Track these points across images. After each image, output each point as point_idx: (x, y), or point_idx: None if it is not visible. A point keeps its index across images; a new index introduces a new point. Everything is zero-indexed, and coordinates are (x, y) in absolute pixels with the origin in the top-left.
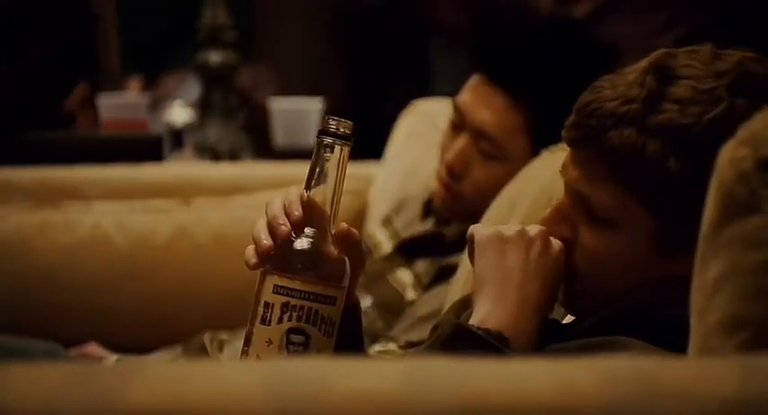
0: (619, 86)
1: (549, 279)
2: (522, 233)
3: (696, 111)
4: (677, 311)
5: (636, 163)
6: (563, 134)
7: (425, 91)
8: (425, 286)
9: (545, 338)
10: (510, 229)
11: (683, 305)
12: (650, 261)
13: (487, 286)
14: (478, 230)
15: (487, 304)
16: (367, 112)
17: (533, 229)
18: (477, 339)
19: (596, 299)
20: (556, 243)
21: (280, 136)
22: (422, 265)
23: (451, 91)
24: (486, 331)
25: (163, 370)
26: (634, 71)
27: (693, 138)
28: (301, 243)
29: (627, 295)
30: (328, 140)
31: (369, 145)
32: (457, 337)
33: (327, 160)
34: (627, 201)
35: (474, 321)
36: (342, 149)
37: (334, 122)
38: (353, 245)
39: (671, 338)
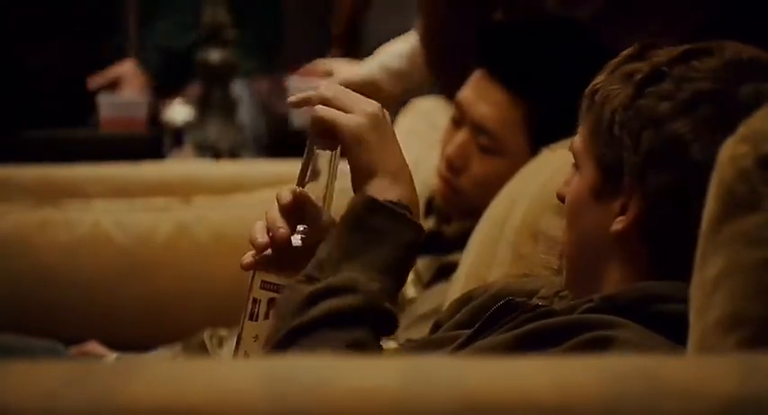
0: None
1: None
2: (375, 111)
3: (648, 61)
4: (668, 307)
5: (590, 105)
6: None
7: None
8: (425, 283)
9: (542, 335)
10: (362, 110)
11: (675, 301)
12: (590, 207)
13: (380, 166)
14: (344, 119)
15: (388, 180)
16: None
17: (371, 105)
18: (386, 210)
19: (572, 267)
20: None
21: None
22: (422, 263)
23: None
24: (393, 202)
25: (162, 368)
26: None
27: (632, 80)
28: (294, 240)
29: (589, 262)
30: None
31: None
32: (369, 209)
33: (320, 156)
34: (587, 143)
35: (385, 196)
36: None
37: None
38: None
39: (663, 333)
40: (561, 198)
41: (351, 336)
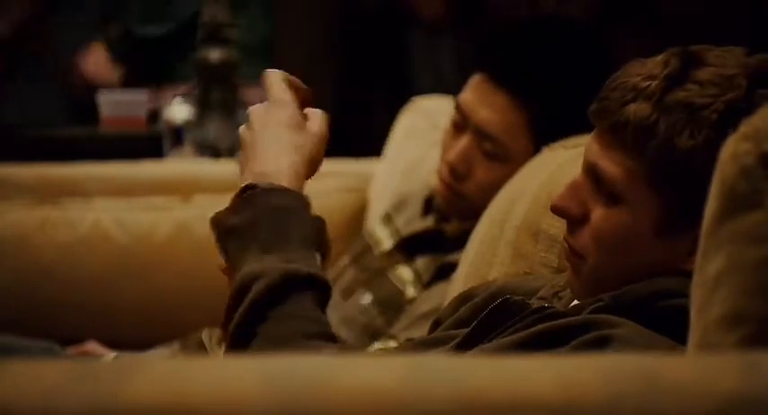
0: (647, 65)
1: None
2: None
3: (713, 93)
4: (676, 301)
5: (647, 137)
6: (589, 109)
7: (411, 87)
8: (425, 283)
9: (549, 337)
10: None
11: (683, 296)
12: (650, 243)
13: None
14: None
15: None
16: (362, 109)
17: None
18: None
19: (600, 284)
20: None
21: None
22: (422, 262)
23: (434, 85)
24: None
25: (162, 368)
26: (665, 54)
27: (706, 118)
28: None
29: (628, 284)
30: None
31: (366, 141)
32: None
33: None
34: (635, 176)
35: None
36: None
37: None
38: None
39: (669, 328)
40: (560, 212)
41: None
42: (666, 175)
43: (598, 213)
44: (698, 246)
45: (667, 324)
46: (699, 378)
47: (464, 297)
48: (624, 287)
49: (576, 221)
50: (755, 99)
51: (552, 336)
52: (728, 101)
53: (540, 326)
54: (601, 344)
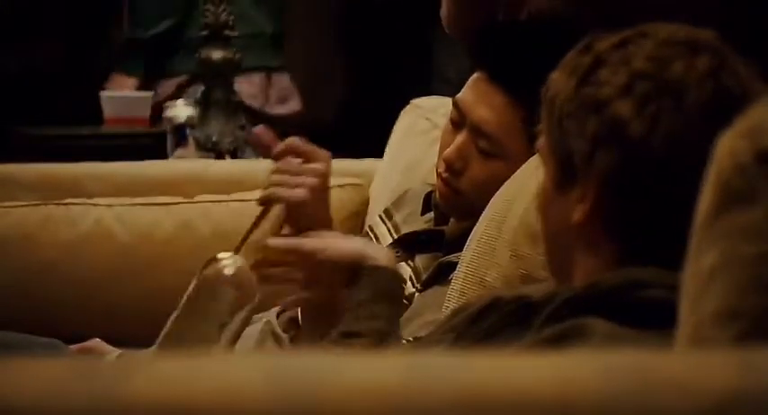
0: None
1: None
2: None
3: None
4: (651, 292)
5: (544, 104)
6: None
7: (428, 87)
8: (424, 282)
9: (521, 317)
10: None
11: (656, 287)
12: (556, 201)
13: None
14: None
15: None
16: (371, 109)
17: None
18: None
19: (558, 269)
20: None
21: None
22: (420, 260)
23: (452, 88)
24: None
25: (164, 365)
26: None
27: (578, 75)
28: None
29: (569, 257)
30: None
31: (367, 141)
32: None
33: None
34: (546, 143)
35: None
36: None
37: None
38: None
39: (645, 320)
40: None
41: None
42: (552, 131)
43: None
44: (585, 194)
45: (643, 316)
46: (695, 375)
47: (457, 310)
48: (597, 277)
49: None
50: (612, 55)
51: (523, 312)
52: (594, 53)
53: (513, 305)
54: (575, 335)
